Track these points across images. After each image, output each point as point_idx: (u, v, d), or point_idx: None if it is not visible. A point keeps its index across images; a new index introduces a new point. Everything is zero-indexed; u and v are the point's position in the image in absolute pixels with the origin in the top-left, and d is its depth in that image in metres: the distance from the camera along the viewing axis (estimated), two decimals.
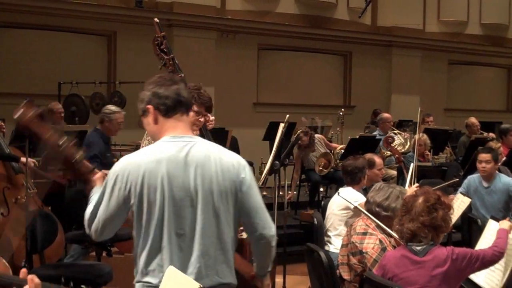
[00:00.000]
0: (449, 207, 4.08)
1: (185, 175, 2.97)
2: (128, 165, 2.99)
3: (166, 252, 2.94)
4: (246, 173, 3.11)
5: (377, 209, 4.80)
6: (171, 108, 3.06)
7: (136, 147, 10.37)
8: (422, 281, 3.86)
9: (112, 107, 8.02)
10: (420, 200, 4.01)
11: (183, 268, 2.90)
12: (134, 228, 3.03)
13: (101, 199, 3.05)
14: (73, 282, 5.21)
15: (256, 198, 3.14)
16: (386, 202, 4.81)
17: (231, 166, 3.06)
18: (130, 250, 4.32)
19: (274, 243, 3.23)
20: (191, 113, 4.81)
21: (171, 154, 2.98)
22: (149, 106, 3.09)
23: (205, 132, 5.23)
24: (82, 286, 5.19)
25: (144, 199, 2.94)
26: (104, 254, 6.74)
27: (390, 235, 4.66)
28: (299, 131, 8.82)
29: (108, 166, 4.76)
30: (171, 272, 2.49)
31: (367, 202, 4.98)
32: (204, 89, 4.95)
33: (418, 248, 3.94)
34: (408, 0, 16.64)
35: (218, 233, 3.01)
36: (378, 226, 4.76)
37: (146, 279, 2.99)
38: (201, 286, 2.27)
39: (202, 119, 4.87)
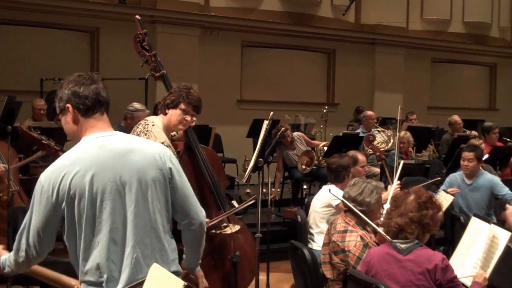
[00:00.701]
0: (439, 208, 4.08)
1: (110, 169, 2.95)
2: (52, 173, 2.95)
3: (101, 248, 2.92)
4: (173, 162, 3.14)
5: (352, 203, 4.82)
6: (91, 108, 3.02)
7: None
8: (403, 280, 3.87)
9: (136, 105, 7.97)
10: (412, 197, 4.02)
11: (120, 261, 2.91)
12: (64, 232, 3.00)
13: (30, 215, 3.02)
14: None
15: (186, 185, 3.19)
16: (361, 196, 4.83)
17: (157, 156, 3.07)
18: None
19: (204, 228, 3.32)
20: (177, 111, 4.82)
21: (93, 152, 2.97)
22: (68, 105, 3.03)
23: (189, 132, 5.22)
24: None
25: (74, 201, 2.92)
26: None
27: (375, 231, 4.67)
28: (282, 129, 8.79)
29: None
30: (155, 270, 2.48)
31: (343, 198, 4.99)
32: (195, 90, 4.96)
33: (403, 246, 3.94)
34: None
35: (151, 221, 3.01)
36: (358, 222, 4.77)
37: (87, 277, 2.98)
38: (185, 283, 2.27)
39: (188, 118, 4.86)
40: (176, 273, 3.02)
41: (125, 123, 7.66)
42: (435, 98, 17.82)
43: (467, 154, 7.57)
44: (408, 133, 9.92)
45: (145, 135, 4.67)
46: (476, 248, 4.53)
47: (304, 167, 9.82)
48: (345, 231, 4.73)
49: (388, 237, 4.08)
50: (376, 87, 16.56)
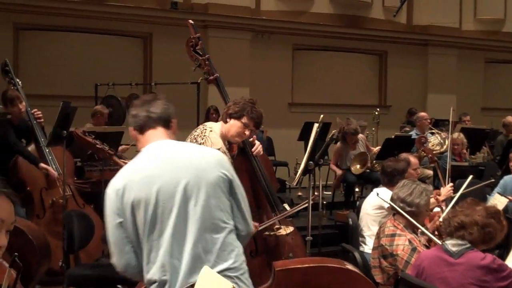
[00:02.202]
0: (503, 227, 4.04)
1: (170, 172, 3.11)
2: (116, 181, 3.15)
3: (165, 249, 3.04)
4: (232, 172, 3.27)
5: (401, 204, 4.80)
6: (143, 126, 3.30)
7: None
8: (455, 284, 3.83)
9: None
10: (482, 206, 4.03)
11: (182, 258, 3.02)
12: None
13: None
14: (109, 282, 5.27)
15: (243, 195, 3.30)
16: (410, 197, 4.80)
17: (219, 161, 3.24)
18: None
19: (250, 236, 3.46)
20: (238, 123, 4.85)
21: (151, 160, 3.18)
22: (130, 128, 3.36)
23: (247, 144, 5.23)
24: (118, 286, 5.24)
25: (137, 208, 3.07)
26: None
27: (423, 233, 4.64)
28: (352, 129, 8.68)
29: None
30: (206, 272, 2.52)
31: (391, 199, 4.96)
32: (258, 105, 4.99)
33: (454, 249, 3.90)
34: None
35: (212, 219, 3.11)
36: (406, 226, 4.74)
37: (151, 277, 3.07)
38: (233, 285, 2.29)
39: (247, 132, 4.90)
40: (231, 269, 3.09)
41: None
42: (489, 99, 17.55)
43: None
44: (462, 135, 9.80)
45: (202, 139, 4.71)
46: None
47: (358, 166, 9.79)
48: (393, 235, 4.70)
49: (439, 241, 4.05)
50: (429, 88, 16.39)
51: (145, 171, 3.12)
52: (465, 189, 6.11)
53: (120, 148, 8.60)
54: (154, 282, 3.05)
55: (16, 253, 2.26)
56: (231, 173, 3.25)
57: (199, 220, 3.06)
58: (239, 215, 3.26)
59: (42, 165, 6.75)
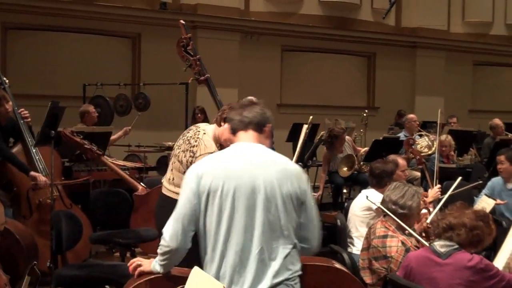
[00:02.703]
0: (492, 231, 4.07)
1: (247, 175, 3.23)
2: (194, 171, 3.32)
3: (230, 248, 3.17)
4: (307, 185, 3.40)
5: (393, 207, 4.80)
6: (235, 128, 3.50)
7: (160, 148, 10.45)
8: (443, 284, 3.84)
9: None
10: (471, 210, 4.05)
11: (247, 262, 3.14)
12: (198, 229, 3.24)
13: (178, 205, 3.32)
14: (97, 282, 5.26)
15: (313, 211, 3.41)
16: (402, 200, 4.80)
17: (296, 174, 3.35)
18: (154, 251, 4.34)
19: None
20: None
21: (233, 158, 3.33)
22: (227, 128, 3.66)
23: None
24: (106, 286, 5.23)
25: (208, 200, 3.22)
26: (128, 254, 6.79)
27: (410, 235, 4.65)
28: (340, 131, 8.66)
29: None
30: (196, 273, 2.52)
31: (382, 201, 4.96)
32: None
33: (442, 250, 3.91)
34: (433, 0, 16.56)
35: (280, 229, 3.22)
36: (398, 227, 4.74)
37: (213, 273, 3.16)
38: (224, 286, 2.30)
39: None
40: (289, 279, 3.20)
41: None
42: (477, 102, 17.64)
43: (499, 157, 7.58)
44: (450, 137, 9.83)
45: (195, 141, 4.67)
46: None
47: (345, 169, 9.80)
48: (385, 236, 4.70)
49: (426, 243, 4.06)
50: (417, 90, 16.46)
51: (225, 166, 3.26)
52: (453, 190, 6.13)
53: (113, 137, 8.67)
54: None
55: (35, 262, 2.27)
56: (307, 190, 3.36)
57: (267, 226, 3.17)
58: (309, 231, 3.36)
59: (33, 173, 6.71)
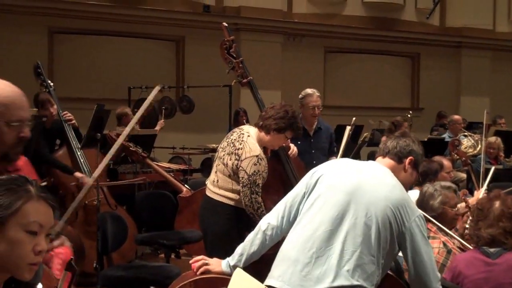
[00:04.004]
0: None
1: (350, 185, 3.31)
2: (312, 170, 3.47)
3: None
4: (414, 225, 3.38)
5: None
6: (377, 152, 3.64)
7: (204, 151, 10.49)
8: (493, 284, 3.78)
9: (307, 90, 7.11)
10: (497, 204, 3.91)
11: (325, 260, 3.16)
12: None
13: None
14: (142, 283, 5.30)
15: (425, 252, 3.41)
16: (423, 203, 4.72)
17: (397, 205, 3.30)
18: (198, 252, 4.37)
19: None
20: (282, 136, 4.90)
21: (354, 170, 3.45)
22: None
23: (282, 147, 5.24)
24: (151, 287, 5.28)
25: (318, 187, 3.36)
26: (172, 256, 6.83)
27: (453, 237, 4.58)
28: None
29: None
30: (238, 274, 2.53)
31: None
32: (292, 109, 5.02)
33: (491, 250, 3.85)
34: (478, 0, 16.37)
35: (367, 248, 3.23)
36: (439, 228, 4.68)
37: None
38: (265, 286, 2.30)
39: (288, 142, 5.02)
40: None
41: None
42: None
43: None
44: (499, 139, 9.70)
45: (240, 144, 4.68)
46: None
47: None
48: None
49: (469, 246, 4.00)
50: (462, 91, 16.27)
51: (340, 169, 3.39)
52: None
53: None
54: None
55: (72, 257, 2.30)
56: (413, 226, 3.30)
57: (349, 238, 3.15)
58: (421, 269, 3.34)
59: (77, 174, 6.78)
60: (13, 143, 2.65)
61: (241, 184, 4.58)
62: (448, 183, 5.10)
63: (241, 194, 4.60)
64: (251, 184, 4.54)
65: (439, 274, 3.32)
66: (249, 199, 4.55)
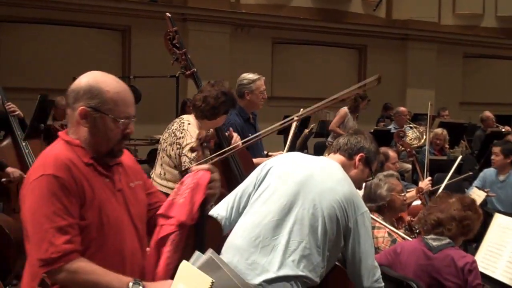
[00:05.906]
0: (480, 216, 4.03)
1: (295, 175, 3.37)
2: (263, 163, 3.58)
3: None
4: (358, 219, 3.36)
5: (368, 204, 4.76)
6: (330, 148, 3.84)
7: (151, 141, 10.41)
8: (429, 278, 3.83)
9: (249, 75, 6.41)
10: (455, 198, 4.00)
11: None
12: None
13: None
14: None
15: (360, 249, 3.36)
16: (370, 193, 4.76)
17: (343, 199, 3.30)
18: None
19: None
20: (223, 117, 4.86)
21: (298, 160, 3.51)
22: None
23: (219, 130, 5.19)
24: None
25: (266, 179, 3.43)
26: None
27: (395, 232, 4.62)
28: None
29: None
30: (184, 267, 2.50)
31: None
32: (229, 87, 4.99)
33: (434, 244, 3.89)
34: None
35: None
36: (384, 219, 4.72)
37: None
38: (213, 281, 2.28)
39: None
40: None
41: (245, 101, 6.30)
42: (468, 94, 17.66)
43: (493, 149, 7.60)
44: (445, 131, 9.83)
45: (181, 133, 4.65)
46: (509, 247, 4.45)
47: None
48: (372, 228, 4.69)
49: (409, 238, 4.06)
50: (408, 83, 16.47)
51: (290, 161, 3.43)
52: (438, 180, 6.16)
53: None
54: None
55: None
56: (357, 219, 3.25)
57: (296, 228, 3.16)
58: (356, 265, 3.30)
59: (9, 169, 6.62)
60: (118, 139, 2.73)
61: (183, 169, 4.54)
62: (390, 172, 5.16)
63: None
64: None
65: (377, 274, 3.33)
66: None
